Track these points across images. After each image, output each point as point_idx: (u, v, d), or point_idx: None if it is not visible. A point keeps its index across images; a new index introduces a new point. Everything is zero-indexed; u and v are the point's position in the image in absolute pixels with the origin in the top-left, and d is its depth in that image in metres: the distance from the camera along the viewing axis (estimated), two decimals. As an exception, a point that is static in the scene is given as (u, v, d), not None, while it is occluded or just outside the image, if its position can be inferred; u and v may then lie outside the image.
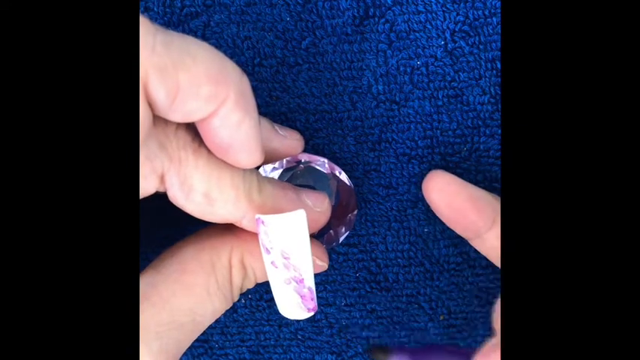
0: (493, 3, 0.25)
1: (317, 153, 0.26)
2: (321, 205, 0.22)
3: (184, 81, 0.17)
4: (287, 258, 0.20)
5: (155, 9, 0.25)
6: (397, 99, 0.25)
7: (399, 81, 0.25)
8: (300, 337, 0.28)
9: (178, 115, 0.18)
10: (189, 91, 0.17)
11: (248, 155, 0.20)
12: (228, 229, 0.22)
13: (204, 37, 0.25)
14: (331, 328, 0.27)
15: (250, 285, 0.22)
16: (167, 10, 0.25)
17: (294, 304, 0.21)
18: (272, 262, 0.20)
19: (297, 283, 0.21)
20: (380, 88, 0.25)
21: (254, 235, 0.21)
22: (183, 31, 0.25)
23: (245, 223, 0.21)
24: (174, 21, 0.25)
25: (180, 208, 0.20)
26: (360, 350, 0.28)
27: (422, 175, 0.26)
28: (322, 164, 0.25)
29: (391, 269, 0.27)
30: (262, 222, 0.20)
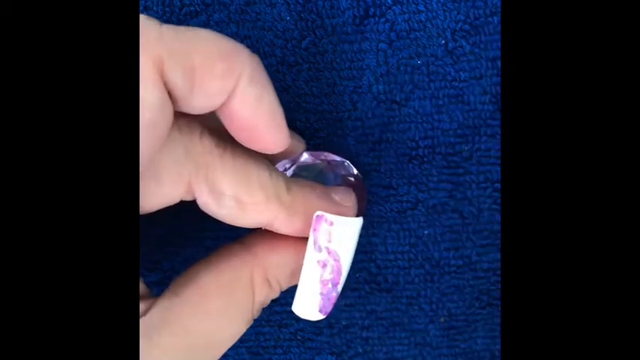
0: (494, 2, 0.24)
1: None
2: (348, 200, 0.22)
3: (198, 61, 0.17)
4: (337, 260, 0.20)
5: (154, 8, 0.25)
6: (397, 99, 0.25)
7: (399, 80, 0.25)
8: (299, 338, 0.27)
9: (200, 101, 0.18)
10: (205, 70, 0.17)
11: (276, 133, 0.19)
12: (245, 248, 0.21)
13: (203, 37, 0.25)
14: (331, 329, 0.27)
15: (275, 296, 0.22)
16: (166, 9, 0.25)
17: (316, 304, 0.21)
18: (319, 261, 0.20)
19: (332, 285, 0.21)
20: (380, 87, 0.25)
21: (273, 250, 0.21)
22: (183, 31, 0.25)
23: (277, 225, 0.21)
24: (173, 20, 0.25)
25: (212, 215, 0.20)
26: (360, 350, 0.27)
27: (422, 176, 0.26)
28: (313, 158, 0.25)
29: (391, 270, 0.27)
30: (328, 221, 0.20)
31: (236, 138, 0.20)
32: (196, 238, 0.27)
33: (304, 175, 0.24)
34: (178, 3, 0.25)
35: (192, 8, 0.25)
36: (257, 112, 0.19)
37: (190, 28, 0.18)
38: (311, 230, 0.20)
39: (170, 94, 0.17)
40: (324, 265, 0.21)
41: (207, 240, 0.27)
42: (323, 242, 0.20)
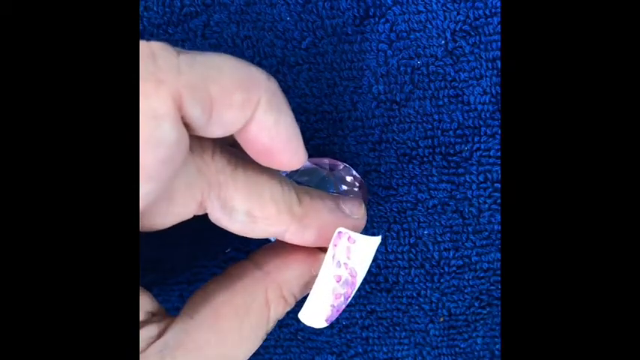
0: (494, 3, 0.24)
1: (317, 153, 0.26)
2: (358, 212, 0.23)
3: (216, 93, 0.17)
4: (353, 276, 0.21)
5: (155, 8, 0.25)
6: (398, 99, 0.25)
7: (399, 81, 0.25)
8: (300, 338, 0.27)
9: (217, 129, 0.18)
10: (223, 101, 0.17)
11: (293, 154, 0.20)
12: (258, 266, 0.22)
13: (203, 37, 0.25)
14: (331, 329, 0.27)
15: (290, 308, 0.22)
16: (167, 9, 0.25)
17: (325, 314, 0.21)
18: (335, 275, 0.21)
19: (345, 299, 0.21)
20: (380, 88, 0.25)
21: (286, 265, 0.21)
22: (183, 31, 0.25)
23: (288, 237, 0.21)
24: (173, 21, 0.25)
25: (224, 228, 0.20)
26: (360, 350, 0.27)
27: (422, 176, 0.26)
28: (313, 164, 0.25)
29: (391, 270, 0.27)
30: (350, 239, 0.20)
31: (252, 157, 0.20)
32: (196, 236, 0.27)
33: (305, 180, 0.24)
34: (178, 3, 0.25)
35: (192, 9, 0.25)
36: (275, 136, 0.19)
37: (206, 54, 0.18)
38: (331, 245, 0.21)
39: (186, 126, 0.17)
40: (340, 279, 0.21)
41: (207, 237, 0.27)
42: (342, 258, 0.21)
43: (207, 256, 0.27)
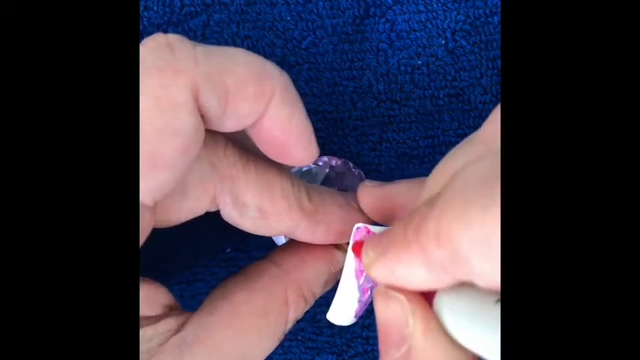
0: (494, 2, 0.25)
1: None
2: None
3: (231, 84, 0.17)
4: None
5: (155, 8, 0.25)
6: (398, 98, 0.25)
7: (399, 80, 0.25)
8: (300, 338, 0.27)
9: (231, 122, 0.18)
10: (238, 93, 0.18)
11: (304, 149, 0.20)
12: (277, 265, 0.22)
13: (203, 37, 0.25)
14: (332, 329, 0.27)
15: (309, 307, 0.22)
16: (167, 9, 0.25)
17: (353, 310, 0.21)
18: (360, 271, 0.21)
19: (371, 291, 0.21)
20: (380, 87, 0.25)
21: (305, 263, 0.21)
22: (183, 31, 0.25)
23: (299, 233, 0.21)
24: (173, 20, 0.25)
25: (235, 225, 0.20)
26: (361, 350, 0.28)
27: (423, 176, 0.26)
28: (316, 163, 0.25)
29: (392, 270, 0.27)
30: (370, 232, 0.20)
31: (264, 152, 0.20)
32: (196, 236, 0.27)
33: (308, 180, 0.24)
34: (178, 3, 0.25)
35: (192, 8, 0.25)
36: (287, 130, 0.19)
37: (222, 48, 0.18)
38: (351, 241, 0.21)
39: (202, 117, 0.17)
40: (364, 274, 0.21)
41: (207, 237, 0.27)
42: None
43: (208, 256, 0.27)
